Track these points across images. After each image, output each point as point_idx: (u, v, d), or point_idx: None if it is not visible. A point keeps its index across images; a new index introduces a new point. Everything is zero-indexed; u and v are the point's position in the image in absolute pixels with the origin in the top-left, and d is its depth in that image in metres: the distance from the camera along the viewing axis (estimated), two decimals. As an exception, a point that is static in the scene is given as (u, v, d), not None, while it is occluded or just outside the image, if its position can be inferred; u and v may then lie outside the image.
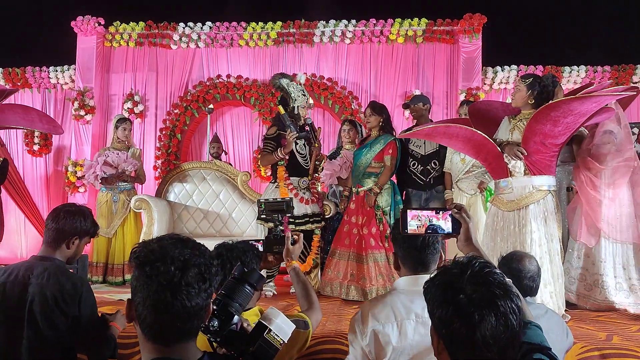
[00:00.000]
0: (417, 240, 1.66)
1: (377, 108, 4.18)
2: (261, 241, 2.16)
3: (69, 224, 2.03)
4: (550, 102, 3.08)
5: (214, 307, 1.16)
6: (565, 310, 3.25)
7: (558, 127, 3.05)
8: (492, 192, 3.62)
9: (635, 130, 4.88)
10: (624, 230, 3.48)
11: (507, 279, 1.11)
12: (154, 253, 1.04)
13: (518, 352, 1.10)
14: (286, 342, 1.19)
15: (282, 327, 1.18)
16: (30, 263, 2.02)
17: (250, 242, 2.07)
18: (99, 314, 2.13)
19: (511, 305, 1.02)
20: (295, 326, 1.24)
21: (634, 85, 6.23)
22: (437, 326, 1.07)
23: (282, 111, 4.01)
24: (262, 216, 2.42)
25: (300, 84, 4.18)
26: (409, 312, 1.60)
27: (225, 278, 1.30)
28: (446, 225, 1.44)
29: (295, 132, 3.95)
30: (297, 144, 4.05)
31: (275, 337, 1.16)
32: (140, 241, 1.10)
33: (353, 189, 4.17)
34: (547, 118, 3.03)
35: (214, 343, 1.19)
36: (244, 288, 1.23)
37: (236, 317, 1.19)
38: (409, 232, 1.44)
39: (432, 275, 1.12)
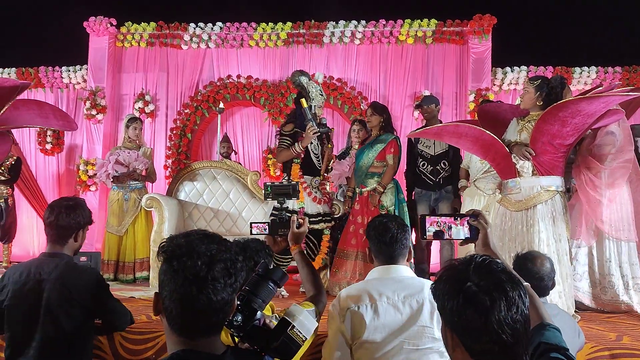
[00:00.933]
0: (386, 236, 1.88)
1: (379, 108, 4.18)
2: (267, 223, 2.19)
3: (72, 219, 2.08)
4: (558, 102, 3.07)
5: (238, 303, 1.17)
6: (575, 311, 3.26)
7: (566, 127, 3.04)
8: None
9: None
10: (626, 229, 3.49)
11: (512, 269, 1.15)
12: (181, 248, 1.06)
13: (529, 342, 1.11)
14: (308, 338, 1.21)
15: (305, 324, 1.21)
16: (40, 261, 2.07)
17: (256, 224, 2.16)
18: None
19: (518, 290, 1.04)
20: (317, 324, 1.27)
21: (644, 86, 6.19)
22: (449, 319, 1.07)
23: (305, 104, 3.94)
24: (268, 199, 2.46)
25: (318, 84, 4.17)
26: (381, 295, 1.81)
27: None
28: (464, 230, 1.45)
29: (315, 127, 3.92)
30: (312, 143, 4.04)
31: (299, 333, 1.19)
32: (168, 236, 1.12)
33: (356, 189, 4.18)
34: (555, 118, 3.03)
35: (236, 338, 1.22)
36: (268, 285, 1.26)
37: (259, 312, 1.21)
38: (427, 238, 1.46)
39: (437, 274, 1.14)
